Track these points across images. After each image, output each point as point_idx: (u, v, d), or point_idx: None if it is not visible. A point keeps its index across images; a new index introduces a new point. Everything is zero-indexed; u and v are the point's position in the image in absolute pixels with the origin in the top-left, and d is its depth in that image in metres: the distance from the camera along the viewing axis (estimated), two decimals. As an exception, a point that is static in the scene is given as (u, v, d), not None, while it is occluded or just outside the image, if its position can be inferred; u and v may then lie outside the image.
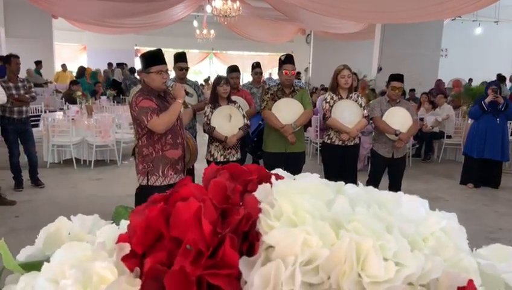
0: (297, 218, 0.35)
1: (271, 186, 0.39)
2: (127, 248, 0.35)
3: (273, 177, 0.40)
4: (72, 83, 9.03)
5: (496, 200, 5.38)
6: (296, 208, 0.36)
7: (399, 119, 4.14)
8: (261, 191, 0.38)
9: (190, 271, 0.31)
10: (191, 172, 4.67)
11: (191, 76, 5.27)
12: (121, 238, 0.36)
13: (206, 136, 4.07)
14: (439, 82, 9.73)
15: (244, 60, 17.81)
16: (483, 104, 5.47)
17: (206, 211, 0.34)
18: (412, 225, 0.38)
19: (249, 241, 0.35)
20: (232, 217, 0.35)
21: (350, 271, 0.33)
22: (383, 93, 6.76)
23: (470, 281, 0.34)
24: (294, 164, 4.10)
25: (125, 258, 0.35)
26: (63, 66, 12.95)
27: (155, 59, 3.04)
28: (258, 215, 0.35)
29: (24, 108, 5.02)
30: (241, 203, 0.38)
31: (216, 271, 0.32)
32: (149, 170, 3.11)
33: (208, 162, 4.08)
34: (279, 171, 0.59)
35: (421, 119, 7.64)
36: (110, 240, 0.40)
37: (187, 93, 3.23)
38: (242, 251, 0.34)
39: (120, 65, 12.86)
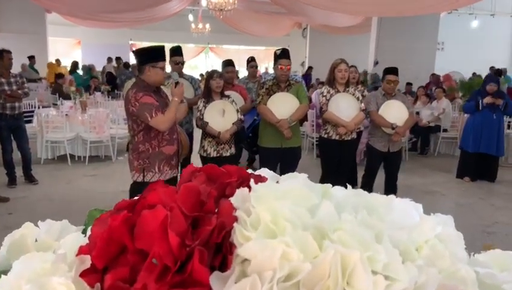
0: (277, 227, 0.32)
1: (249, 190, 0.35)
2: (88, 261, 0.32)
3: (251, 181, 0.36)
4: (58, 76, 8.94)
5: (492, 193, 5.37)
6: (275, 216, 0.32)
7: (395, 112, 4.10)
8: (238, 197, 0.35)
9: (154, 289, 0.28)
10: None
11: (186, 70, 5.20)
12: (82, 250, 0.33)
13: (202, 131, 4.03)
14: (435, 76, 9.70)
15: (240, 54, 17.70)
16: (480, 104, 5.43)
17: (173, 220, 0.30)
18: (404, 233, 0.35)
19: (222, 254, 0.31)
20: (203, 227, 0.31)
21: (335, 287, 0.30)
22: (375, 88, 6.73)
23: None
24: (290, 159, 4.07)
25: (84, 274, 0.31)
26: (57, 60, 12.83)
27: (162, 55, 3.04)
28: (233, 225, 0.32)
29: (17, 104, 4.95)
30: (216, 210, 0.35)
31: (183, 289, 0.28)
32: (145, 167, 3.08)
33: (201, 157, 4.04)
34: (263, 171, 0.55)
35: (418, 113, 7.62)
36: (73, 251, 0.36)
37: (182, 100, 3.21)
38: (214, 266, 0.30)
39: (118, 59, 12.75)
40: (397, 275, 0.31)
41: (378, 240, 0.33)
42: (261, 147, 4.13)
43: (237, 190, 0.36)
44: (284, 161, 4.07)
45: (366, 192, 0.41)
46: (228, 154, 3.96)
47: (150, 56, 2.99)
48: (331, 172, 4.17)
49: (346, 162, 4.23)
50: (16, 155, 5.19)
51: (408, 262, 0.33)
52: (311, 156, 7.02)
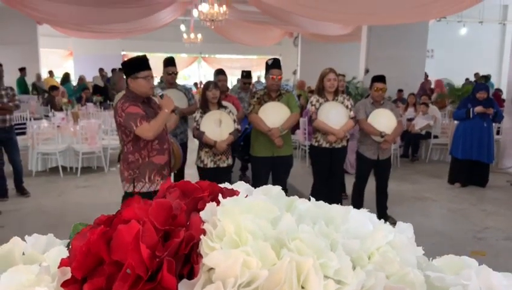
0: (239, 238, 0.35)
1: (217, 205, 0.39)
2: (68, 272, 0.35)
3: (220, 196, 0.40)
4: (51, 88, 8.94)
5: (483, 199, 5.44)
6: (239, 227, 0.36)
7: (384, 120, 4.17)
8: (207, 211, 0.38)
9: (127, 296, 0.31)
10: (180, 177, 4.66)
11: (179, 80, 5.26)
12: (63, 263, 0.36)
13: (197, 141, 4.05)
14: (424, 83, 9.84)
15: (232, 63, 17.84)
16: (471, 111, 5.51)
17: (145, 234, 0.33)
18: (357, 241, 0.38)
19: (190, 263, 0.35)
20: (173, 239, 0.35)
21: (290, 291, 0.33)
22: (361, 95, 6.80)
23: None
24: (282, 168, 4.12)
25: (65, 284, 0.34)
26: (50, 72, 12.83)
27: (142, 64, 3.03)
28: (200, 237, 0.35)
29: (8, 116, 4.95)
30: (188, 223, 0.38)
31: (154, 296, 0.32)
32: (135, 177, 3.09)
33: (198, 168, 4.06)
34: (238, 185, 0.59)
35: (410, 120, 7.71)
36: (56, 264, 0.39)
37: (173, 110, 3.20)
38: (183, 274, 0.34)
39: (114, 71, 12.76)
40: (347, 279, 0.35)
41: (333, 248, 0.37)
42: (253, 156, 4.17)
43: (207, 204, 0.40)
44: (276, 170, 4.11)
45: (326, 204, 0.44)
46: (225, 165, 3.98)
47: (130, 68, 3.02)
48: (322, 179, 4.22)
49: (337, 169, 4.28)
50: (8, 168, 5.17)
51: (358, 267, 0.36)
52: (303, 164, 7.06)
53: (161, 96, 3.09)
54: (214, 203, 0.39)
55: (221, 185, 0.57)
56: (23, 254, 0.51)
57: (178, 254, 0.34)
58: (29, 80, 11.23)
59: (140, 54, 3.21)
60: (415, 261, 0.42)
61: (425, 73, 10.58)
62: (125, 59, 4.33)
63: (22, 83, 10.91)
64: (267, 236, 0.36)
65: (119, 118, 2.97)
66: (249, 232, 0.36)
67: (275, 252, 0.35)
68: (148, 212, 0.37)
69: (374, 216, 0.45)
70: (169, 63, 4.47)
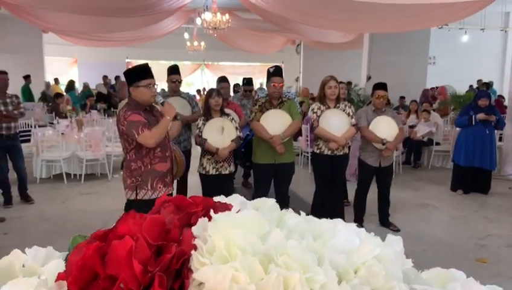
0: (229, 253, 0.37)
1: (209, 220, 0.40)
2: (65, 286, 0.36)
3: (211, 211, 0.42)
4: (56, 96, 9.02)
5: (485, 206, 5.42)
6: (228, 243, 0.37)
7: (385, 128, 4.18)
8: (199, 226, 0.40)
9: (120, 310, 0.33)
10: (183, 184, 4.67)
11: (183, 87, 5.29)
12: (60, 277, 0.37)
13: (200, 148, 4.08)
14: (426, 90, 9.84)
15: (235, 69, 17.92)
16: (473, 119, 5.51)
17: (137, 249, 0.35)
18: (343, 256, 0.40)
19: (181, 278, 0.36)
20: (164, 255, 0.36)
21: (277, 305, 0.35)
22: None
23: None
24: (284, 175, 4.13)
25: (61, 297, 0.36)
26: (56, 80, 12.95)
27: (143, 73, 3.06)
28: (191, 253, 0.37)
29: (12, 124, 5.00)
30: (181, 238, 0.40)
31: (145, 309, 0.33)
32: (138, 184, 3.10)
33: (200, 174, 4.07)
34: (233, 198, 0.60)
35: (411, 127, 7.71)
36: (54, 277, 0.41)
37: (176, 116, 3.23)
38: (174, 288, 0.35)
39: (117, 78, 12.86)
40: (332, 293, 0.36)
41: (320, 263, 0.38)
42: (254, 163, 4.18)
43: (200, 219, 0.41)
44: (278, 177, 4.12)
45: (315, 218, 0.46)
46: (227, 172, 4.00)
47: (132, 77, 3.05)
48: (324, 186, 4.22)
49: (339, 176, 4.28)
50: (12, 175, 5.21)
51: (344, 282, 0.38)
52: (306, 170, 7.06)
53: (162, 104, 3.11)
54: (206, 219, 0.41)
55: (217, 198, 0.59)
56: (24, 266, 0.53)
57: (169, 268, 0.36)
58: (34, 87, 11.32)
59: (145, 61, 3.24)
60: (400, 274, 0.43)
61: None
62: (129, 67, 4.36)
63: (26, 90, 11.00)
64: (256, 251, 0.38)
65: (122, 127, 3.00)
66: (238, 248, 0.37)
67: (264, 267, 0.36)
68: (142, 227, 0.39)
69: (362, 230, 0.46)
70: (173, 71, 4.51)
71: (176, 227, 0.40)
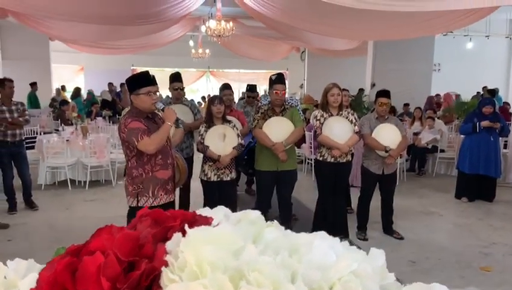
0: (199, 270, 0.36)
1: (184, 235, 0.40)
2: (36, 301, 0.36)
3: (186, 226, 0.41)
4: (62, 103, 9.10)
5: (490, 214, 5.36)
6: (199, 259, 0.37)
7: (388, 135, 4.16)
8: (173, 241, 0.40)
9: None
10: (186, 191, 4.67)
11: (188, 94, 5.32)
12: (32, 292, 0.37)
13: (202, 155, 4.09)
14: (431, 98, 9.80)
15: (240, 76, 17.99)
16: (477, 126, 5.48)
17: (107, 266, 0.35)
18: (318, 272, 0.39)
19: (151, 294, 0.36)
20: (134, 271, 0.36)
21: (246, 323, 0.34)
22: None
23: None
24: (286, 182, 4.12)
25: (31, 313, 0.36)
26: (63, 87, 13.09)
27: (143, 80, 3.07)
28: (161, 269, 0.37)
29: (18, 131, 5.04)
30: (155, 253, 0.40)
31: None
32: (139, 192, 3.11)
33: (202, 181, 4.08)
34: (217, 210, 0.60)
35: (416, 134, 7.67)
36: (29, 291, 0.41)
37: (177, 121, 3.23)
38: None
39: (122, 85, 12.95)
40: (303, 311, 0.35)
41: (293, 279, 0.38)
42: (257, 170, 4.18)
43: (174, 234, 0.41)
44: (281, 184, 4.11)
45: (293, 232, 0.46)
46: (228, 178, 4.01)
47: (132, 85, 3.07)
48: (327, 193, 4.20)
49: (342, 184, 4.26)
50: (17, 181, 5.24)
51: (317, 299, 0.37)
52: (309, 177, 7.04)
53: (162, 110, 3.13)
54: (180, 234, 0.41)
55: (201, 210, 0.58)
56: (6, 277, 0.53)
57: (139, 285, 0.36)
58: (41, 94, 11.42)
59: (151, 68, 3.28)
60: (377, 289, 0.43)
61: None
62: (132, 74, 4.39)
63: (32, 97, 11.10)
64: (227, 267, 0.37)
65: (123, 134, 3.02)
66: (208, 264, 0.37)
67: (234, 283, 0.36)
68: (113, 243, 0.39)
69: (341, 244, 0.46)
70: (175, 78, 4.53)
71: (149, 242, 0.40)
